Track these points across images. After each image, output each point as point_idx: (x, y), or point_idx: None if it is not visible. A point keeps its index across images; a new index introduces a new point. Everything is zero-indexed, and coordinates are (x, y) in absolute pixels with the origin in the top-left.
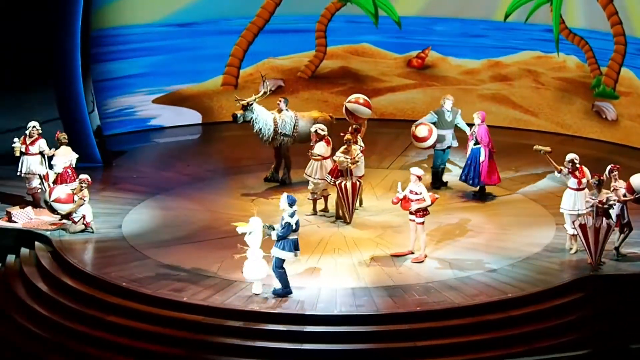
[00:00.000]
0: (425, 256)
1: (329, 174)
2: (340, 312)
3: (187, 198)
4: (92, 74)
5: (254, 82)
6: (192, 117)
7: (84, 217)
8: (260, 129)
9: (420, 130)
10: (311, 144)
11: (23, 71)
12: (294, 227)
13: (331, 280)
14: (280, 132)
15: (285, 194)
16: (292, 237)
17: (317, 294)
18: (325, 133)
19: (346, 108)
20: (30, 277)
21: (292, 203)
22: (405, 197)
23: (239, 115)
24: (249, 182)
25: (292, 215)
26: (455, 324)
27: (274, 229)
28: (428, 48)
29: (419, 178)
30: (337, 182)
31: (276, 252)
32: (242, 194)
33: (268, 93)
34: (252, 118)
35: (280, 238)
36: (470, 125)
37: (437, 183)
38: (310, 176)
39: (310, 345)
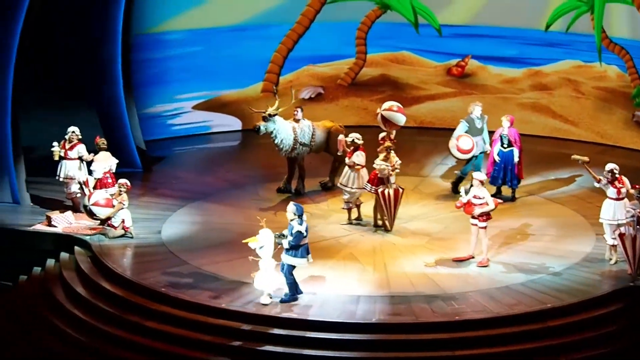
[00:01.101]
0: (488, 260)
1: (368, 182)
2: (378, 321)
3: (226, 204)
4: (132, 79)
5: (293, 89)
6: (232, 123)
7: (123, 221)
8: (282, 140)
9: (465, 143)
10: (338, 153)
11: (64, 76)
12: (304, 234)
13: (371, 288)
14: (300, 142)
15: (292, 204)
16: (302, 243)
17: (356, 301)
18: (362, 142)
19: (382, 116)
20: (69, 282)
21: (300, 214)
22: (468, 201)
23: (261, 126)
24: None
25: (301, 223)
26: (494, 334)
27: (284, 237)
28: (468, 56)
29: (482, 182)
30: (378, 190)
31: (288, 259)
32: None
33: (291, 102)
34: (274, 129)
35: (293, 247)
36: (491, 132)
37: (455, 188)
38: (346, 186)
39: (347, 353)
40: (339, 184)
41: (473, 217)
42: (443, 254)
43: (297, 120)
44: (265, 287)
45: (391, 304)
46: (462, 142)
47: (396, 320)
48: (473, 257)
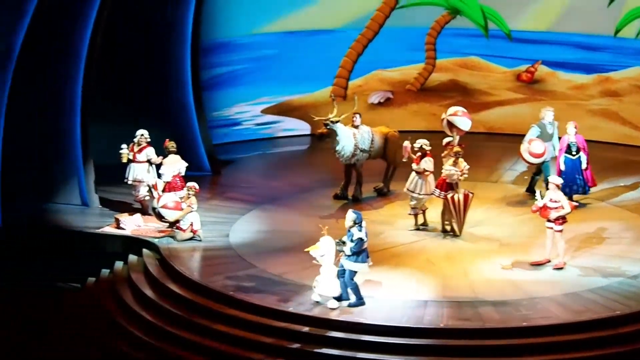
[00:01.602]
0: (565, 263)
1: (436, 187)
2: (445, 326)
3: (294, 208)
4: (202, 83)
5: (362, 94)
6: (301, 127)
7: (191, 224)
8: (343, 147)
9: (537, 147)
10: (403, 159)
11: (133, 80)
12: (364, 239)
13: (439, 292)
14: (360, 149)
15: (351, 212)
16: (362, 248)
17: (424, 306)
18: (430, 148)
19: (447, 121)
20: (137, 284)
21: (360, 221)
22: (544, 205)
23: (323, 134)
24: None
25: (360, 229)
26: (562, 340)
27: (344, 244)
28: (538, 62)
29: (558, 186)
30: (447, 196)
31: (350, 265)
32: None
33: (354, 109)
34: (336, 136)
35: (354, 254)
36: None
37: (531, 190)
38: (413, 192)
39: (414, 358)
40: (405, 190)
41: (549, 221)
42: (516, 258)
43: (356, 127)
44: (328, 292)
45: (459, 309)
46: (534, 146)
47: (463, 325)
48: (549, 261)
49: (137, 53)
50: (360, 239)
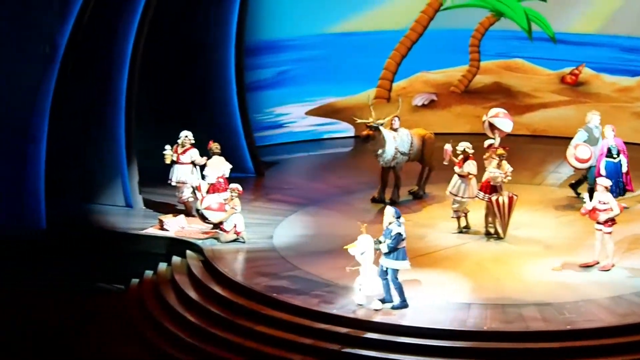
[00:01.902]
0: (613, 265)
1: (480, 190)
2: (488, 328)
3: (338, 210)
4: (245, 84)
5: (406, 96)
6: (345, 129)
7: (235, 226)
8: (385, 150)
9: (583, 152)
10: (444, 162)
11: (177, 81)
12: (403, 236)
13: (483, 295)
14: (400, 151)
15: (390, 207)
16: (401, 246)
17: (468, 308)
18: (472, 151)
19: (488, 123)
20: (181, 285)
21: (398, 216)
22: (593, 207)
23: (370, 136)
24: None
25: (399, 225)
26: (606, 344)
27: (381, 242)
28: (582, 65)
29: (607, 188)
30: (492, 198)
31: (390, 263)
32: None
33: (397, 112)
34: (381, 139)
35: (392, 249)
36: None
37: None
38: (456, 195)
39: None
40: (448, 193)
41: (598, 223)
42: (562, 259)
43: (395, 129)
44: (372, 292)
45: (503, 311)
46: (580, 151)
47: (507, 328)
48: (598, 263)
49: (181, 54)
50: (399, 234)
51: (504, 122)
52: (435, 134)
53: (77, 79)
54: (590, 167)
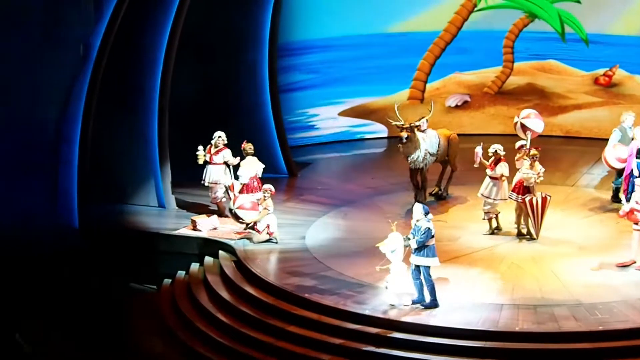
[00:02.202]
0: None
1: (513, 191)
2: (521, 329)
3: (371, 211)
4: (279, 85)
5: (440, 97)
6: (378, 130)
7: (268, 226)
8: (419, 151)
9: (623, 152)
10: (475, 165)
11: (210, 82)
12: (432, 232)
13: (516, 295)
14: (430, 153)
15: (418, 204)
16: (430, 243)
17: (500, 309)
18: (504, 153)
19: (521, 124)
20: (213, 286)
21: (426, 212)
22: (631, 209)
23: (409, 137)
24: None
25: (429, 221)
26: (638, 345)
27: (409, 239)
28: (616, 66)
29: None
30: (525, 199)
31: (421, 260)
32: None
33: (430, 115)
34: (415, 140)
35: (421, 245)
36: None
37: (616, 198)
38: (488, 197)
39: None
40: (480, 195)
41: (636, 223)
42: (597, 260)
43: (422, 131)
44: (401, 289)
45: (535, 312)
46: (619, 150)
47: (539, 329)
48: (635, 262)
49: (214, 55)
50: (428, 229)
51: (536, 122)
52: (468, 135)
53: (110, 80)
54: (623, 170)
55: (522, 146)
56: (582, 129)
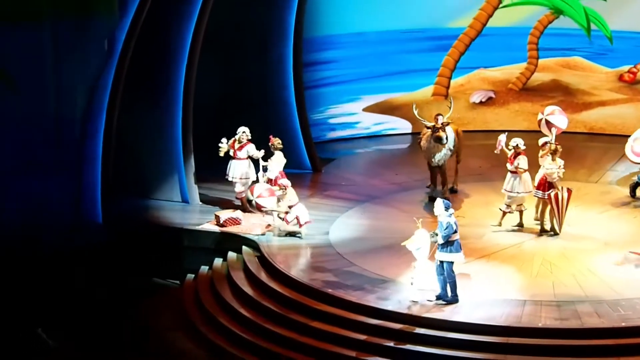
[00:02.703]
0: None
1: (537, 189)
2: (544, 325)
3: (394, 207)
4: (304, 81)
5: (464, 93)
6: (403, 126)
7: (297, 218)
8: (445, 149)
9: None
10: (496, 151)
11: (235, 77)
12: (454, 227)
13: (536, 292)
14: (450, 149)
15: (440, 200)
16: (454, 238)
17: (523, 305)
18: (524, 148)
19: (545, 121)
20: (236, 281)
21: (447, 207)
22: None
23: (445, 137)
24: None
25: (450, 216)
26: None
27: (437, 235)
28: None
29: None
30: (551, 194)
31: (445, 256)
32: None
33: (450, 112)
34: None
35: (446, 240)
36: None
37: (633, 193)
38: (511, 191)
39: (511, 357)
40: (503, 191)
41: None
42: (622, 256)
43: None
44: (425, 286)
45: (558, 308)
46: (638, 145)
47: (562, 325)
48: None
49: (239, 50)
50: (449, 224)
51: (560, 119)
52: (493, 131)
53: (134, 75)
54: None
55: (545, 143)
56: (606, 126)
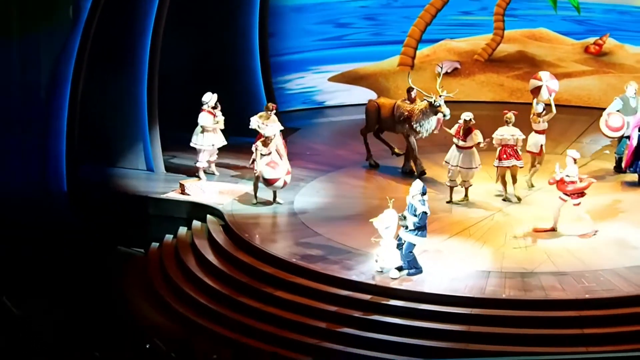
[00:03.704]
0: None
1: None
2: (508, 297)
3: (359, 177)
4: (270, 50)
5: (430, 64)
6: (368, 96)
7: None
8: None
9: (615, 121)
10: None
11: (200, 46)
12: (429, 214)
13: (500, 263)
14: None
15: (419, 182)
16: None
17: (487, 276)
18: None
19: (547, 87)
20: (201, 250)
21: (424, 192)
22: (561, 178)
23: (447, 112)
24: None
25: (423, 203)
26: (624, 313)
27: (405, 218)
28: (606, 35)
29: (575, 160)
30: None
31: (411, 237)
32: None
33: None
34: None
35: (418, 228)
36: None
37: (619, 169)
38: (456, 166)
39: (475, 328)
40: (446, 164)
41: (565, 194)
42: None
43: (413, 101)
44: (390, 264)
45: (521, 280)
46: (612, 119)
47: (526, 296)
48: (554, 230)
49: (206, 19)
50: (425, 213)
51: (555, 83)
52: (458, 102)
53: (100, 44)
54: (621, 137)
55: (544, 109)
56: (572, 98)
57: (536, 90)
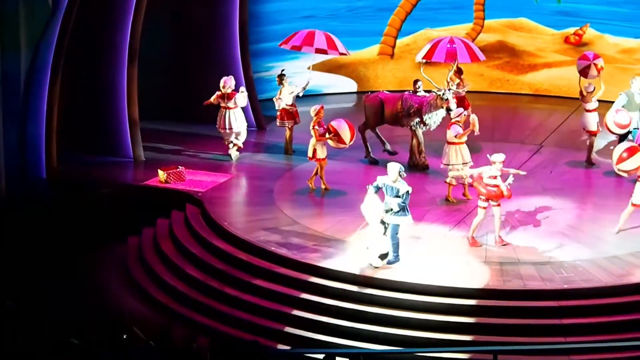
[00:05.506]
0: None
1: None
2: (486, 286)
3: (340, 165)
4: (250, 37)
5: (410, 53)
6: (348, 85)
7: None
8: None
9: (622, 117)
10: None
11: (180, 34)
12: (410, 191)
13: (481, 254)
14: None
15: (396, 164)
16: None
17: (468, 268)
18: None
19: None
20: (179, 238)
21: (403, 171)
22: (477, 177)
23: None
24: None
25: (403, 182)
26: (603, 303)
27: (379, 189)
28: (586, 25)
29: (502, 164)
30: None
31: (395, 219)
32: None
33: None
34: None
35: (403, 208)
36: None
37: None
38: (447, 164)
39: (455, 318)
40: (442, 166)
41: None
42: (563, 221)
43: (416, 92)
44: (381, 250)
45: (500, 270)
46: (619, 116)
47: (504, 286)
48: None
49: (186, 5)
50: (407, 192)
51: (600, 60)
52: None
53: (80, 30)
54: (628, 133)
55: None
56: (552, 87)
57: (584, 71)
